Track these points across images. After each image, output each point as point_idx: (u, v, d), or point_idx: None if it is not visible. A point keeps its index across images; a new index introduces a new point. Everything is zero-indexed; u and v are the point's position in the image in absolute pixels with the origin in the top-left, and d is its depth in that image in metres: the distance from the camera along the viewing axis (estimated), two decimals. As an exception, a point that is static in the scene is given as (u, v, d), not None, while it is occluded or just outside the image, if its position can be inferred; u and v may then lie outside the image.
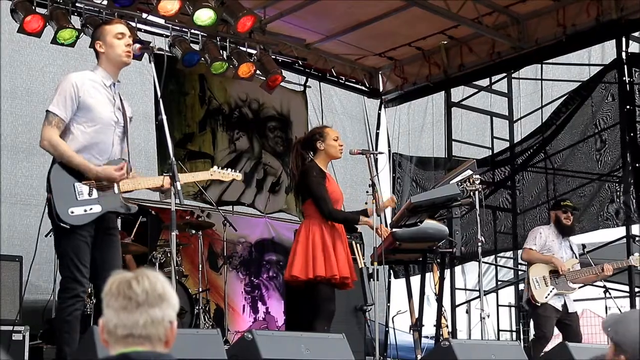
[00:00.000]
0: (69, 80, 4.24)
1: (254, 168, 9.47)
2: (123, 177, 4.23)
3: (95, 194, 4.16)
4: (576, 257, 7.07)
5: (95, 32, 4.55)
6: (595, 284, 8.50)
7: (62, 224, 4.07)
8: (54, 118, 4.18)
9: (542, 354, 6.51)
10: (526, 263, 7.14)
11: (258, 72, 8.59)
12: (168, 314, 2.01)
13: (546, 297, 6.76)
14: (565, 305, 6.83)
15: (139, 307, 1.96)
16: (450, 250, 6.10)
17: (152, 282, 2.00)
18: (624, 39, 8.32)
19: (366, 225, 5.59)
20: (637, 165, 8.13)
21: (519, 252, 8.58)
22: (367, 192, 5.57)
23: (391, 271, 10.02)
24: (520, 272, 9.56)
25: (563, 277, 6.81)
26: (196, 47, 8.18)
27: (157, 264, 7.04)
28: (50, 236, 6.59)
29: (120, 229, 5.53)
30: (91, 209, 4.14)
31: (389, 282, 10.10)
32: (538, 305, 6.76)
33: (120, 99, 4.42)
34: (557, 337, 7.23)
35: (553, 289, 6.79)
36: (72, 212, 4.09)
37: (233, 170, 4.87)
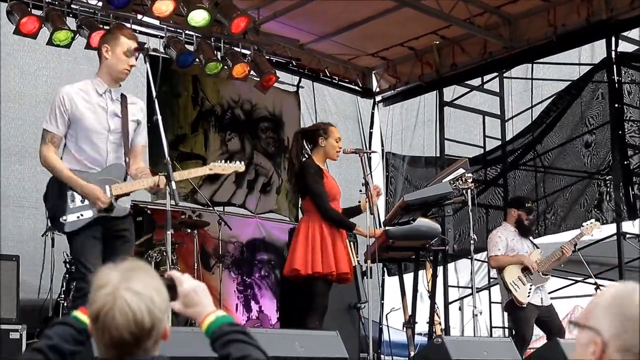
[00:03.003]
0: (58, 94, 4.33)
1: (245, 169, 9.48)
2: (99, 204, 4.23)
3: (87, 200, 4.25)
4: (537, 247, 7.12)
5: (107, 35, 4.56)
6: (586, 281, 8.59)
7: (57, 232, 4.20)
8: (47, 135, 4.29)
9: (533, 350, 6.58)
10: (496, 270, 7.11)
11: (252, 72, 8.64)
12: (160, 333, 1.91)
13: (528, 296, 6.79)
14: (542, 299, 6.88)
15: (128, 347, 1.87)
16: (443, 247, 6.15)
17: (139, 313, 1.84)
18: (613, 39, 8.39)
19: (361, 235, 5.65)
20: (625, 162, 8.22)
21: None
22: (360, 191, 5.64)
23: (385, 269, 10.07)
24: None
25: (535, 271, 6.88)
26: (191, 47, 8.22)
27: (152, 263, 7.09)
28: (47, 236, 6.70)
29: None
30: (82, 215, 4.23)
31: (383, 280, 10.15)
32: (523, 307, 6.79)
33: (124, 104, 4.43)
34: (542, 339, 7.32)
35: (531, 285, 6.82)
36: (65, 220, 4.21)
37: (235, 162, 4.83)
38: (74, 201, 4.22)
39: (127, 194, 4.42)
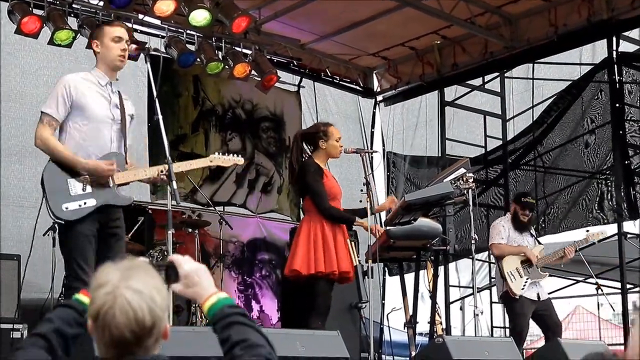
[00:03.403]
0: (62, 81, 4.36)
1: (246, 168, 9.46)
2: (112, 172, 4.25)
3: (89, 188, 4.22)
4: (539, 243, 7.12)
5: (94, 31, 4.65)
6: (587, 280, 8.60)
7: (57, 220, 4.15)
8: (46, 117, 4.30)
9: (535, 350, 6.58)
10: (496, 258, 7.10)
11: (253, 72, 8.64)
12: (160, 331, 1.91)
13: (522, 289, 6.77)
14: (538, 294, 6.88)
15: (129, 346, 1.86)
16: (444, 247, 6.16)
17: (140, 311, 1.84)
18: (614, 39, 8.39)
19: (361, 227, 5.66)
20: (626, 162, 8.22)
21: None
22: (361, 190, 5.63)
23: (386, 269, 10.07)
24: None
25: (534, 266, 6.86)
26: (192, 47, 8.22)
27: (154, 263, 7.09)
28: (48, 235, 6.69)
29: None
30: (85, 203, 4.19)
31: (384, 280, 10.14)
32: (516, 298, 6.77)
33: (120, 97, 4.49)
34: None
35: (527, 278, 6.80)
36: (67, 208, 4.15)
37: (234, 155, 4.88)
38: (75, 189, 4.19)
39: (128, 184, 4.43)
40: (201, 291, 2.15)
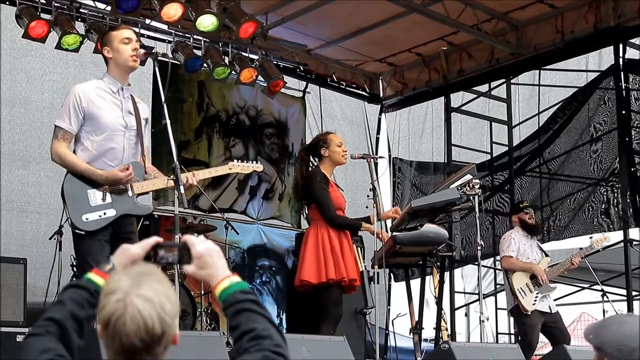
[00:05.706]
0: (72, 92, 4.34)
1: (248, 175, 9.41)
2: (130, 177, 4.26)
3: (109, 198, 4.24)
4: (546, 255, 7.12)
5: (102, 38, 4.65)
6: (593, 287, 8.59)
7: (77, 231, 4.15)
8: (60, 131, 4.29)
9: (540, 357, 6.57)
10: (505, 271, 7.09)
11: (260, 77, 8.65)
12: (170, 339, 1.90)
13: (534, 304, 6.79)
14: (550, 307, 6.89)
15: (138, 353, 1.85)
16: (450, 253, 6.13)
17: (150, 320, 1.83)
18: (621, 46, 8.39)
19: (367, 231, 5.66)
20: (632, 169, 8.21)
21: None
22: (367, 196, 5.64)
23: (391, 274, 10.06)
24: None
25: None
26: (199, 52, 8.24)
27: (160, 267, 7.09)
28: (54, 239, 6.71)
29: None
30: (105, 213, 4.21)
31: (389, 285, 10.14)
32: (528, 314, 6.79)
33: (134, 102, 4.47)
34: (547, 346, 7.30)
35: (537, 293, 6.81)
36: (87, 219, 4.18)
37: (253, 162, 4.90)
38: (95, 199, 4.21)
39: (147, 193, 4.44)
40: (214, 273, 2.10)
